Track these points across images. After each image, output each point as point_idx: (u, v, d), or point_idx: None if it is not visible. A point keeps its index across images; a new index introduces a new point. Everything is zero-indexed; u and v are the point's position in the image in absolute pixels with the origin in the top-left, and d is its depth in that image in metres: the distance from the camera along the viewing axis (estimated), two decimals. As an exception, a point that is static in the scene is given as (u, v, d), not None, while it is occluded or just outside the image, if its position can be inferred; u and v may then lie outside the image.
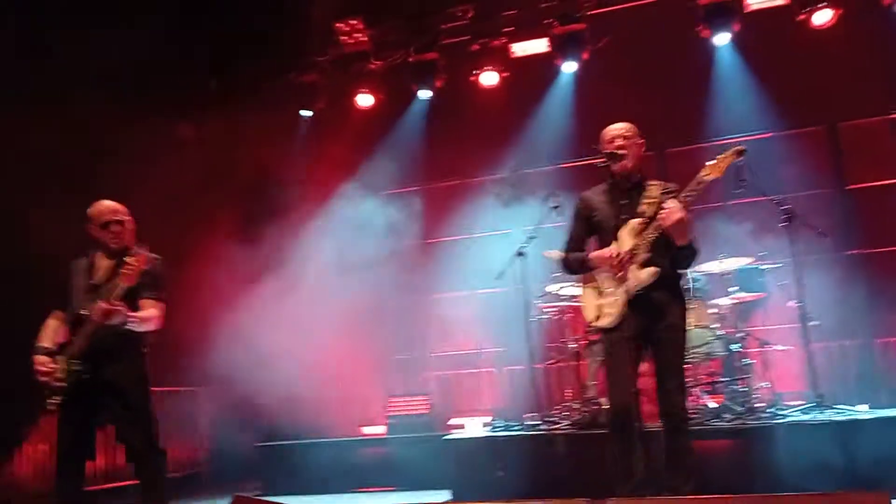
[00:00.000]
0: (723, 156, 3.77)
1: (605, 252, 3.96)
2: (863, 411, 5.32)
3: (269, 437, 6.98)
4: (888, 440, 4.69)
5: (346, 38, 8.01)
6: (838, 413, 5.19)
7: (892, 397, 6.59)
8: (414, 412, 6.84)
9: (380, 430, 7.12)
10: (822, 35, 7.17)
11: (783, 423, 5.05)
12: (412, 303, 7.85)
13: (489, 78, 7.91)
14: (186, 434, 7.74)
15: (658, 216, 3.79)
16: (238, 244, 7.23)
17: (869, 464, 4.61)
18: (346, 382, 7.26)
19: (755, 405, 5.45)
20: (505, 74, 7.91)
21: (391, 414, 6.91)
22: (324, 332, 6.88)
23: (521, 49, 7.99)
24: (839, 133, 7.43)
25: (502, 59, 7.91)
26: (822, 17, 7.14)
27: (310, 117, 8.47)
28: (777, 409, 5.40)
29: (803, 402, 5.61)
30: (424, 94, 8.14)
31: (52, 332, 4.18)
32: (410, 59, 8.02)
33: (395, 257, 7.56)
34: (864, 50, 7.10)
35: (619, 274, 3.89)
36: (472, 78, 7.95)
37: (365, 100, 8.27)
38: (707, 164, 3.78)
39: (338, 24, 7.94)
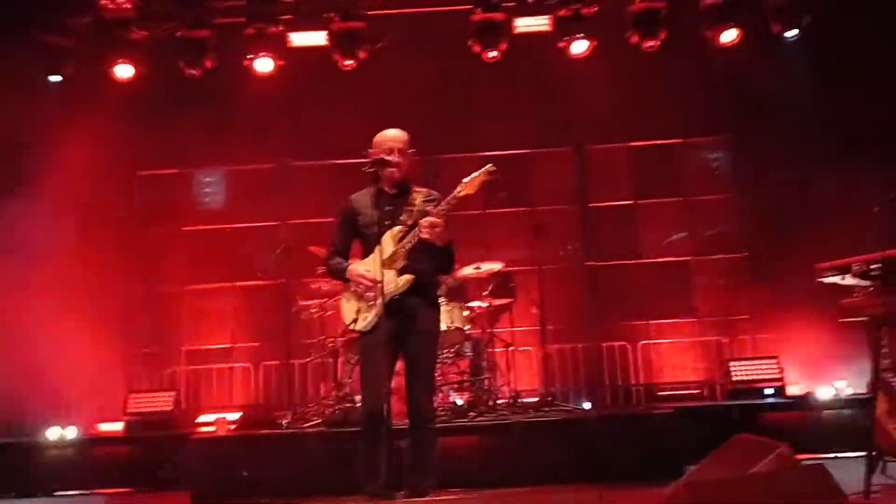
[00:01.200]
0: (475, 174, 3.97)
1: (360, 273, 4.03)
2: (587, 409, 5.92)
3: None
4: (609, 435, 5.25)
5: (107, 1, 7.34)
6: (566, 411, 5.73)
7: (614, 397, 7.40)
8: (157, 409, 6.47)
9: (118, 427, 6.63)
10: (579, 64, 7.85)
11: (520, 420, 5.47)
12: (164, 293, 7.39)
13: (264, 64, 7.67)
14: None
15: (418, 227, 3.92)
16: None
17: (592, 457, 5.12)
18: (84, 376, 6.67)
19: (497, 402, 5.84)
20: (281, 63, 7.72)
21: (131, 410, 6.47)
22: (61, 321, 6.28)
23: (300, 39, 7.84)
24: (586, 155, 8.17)
25: (279, 47, 7.70)
26: (579, 46, 7.81)
27: (59, 83, 7.64)
28: (515, 407, 5.82)
29: (538, 400, 6.13)
30: (192, 73, 7.70)
31: None
32: (179, 34, 7.54)
33: (147, 243, 7.11)
34: (613, 81, 7.86)
35: (367, 294, 3.97)
36: (246, 62, 7.66)
37: (124, 70, 7.62)
38: (462, 181, 3.96)
39: (99, -15, 7.26)
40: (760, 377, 6.79)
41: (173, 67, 7.63)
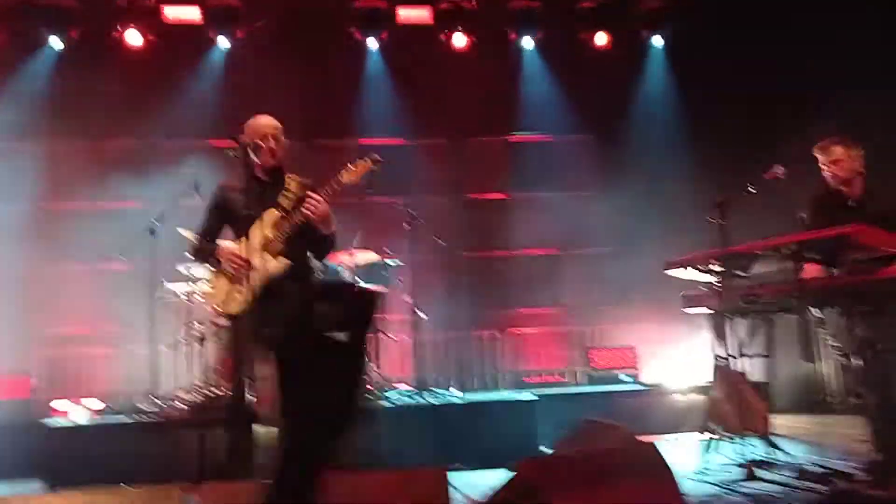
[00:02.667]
0: (359, 162, 4.01)
1: (233, 251, 4.00)
2: (456, 395, 6.10)
3: None
4: (475, 420, 5.48)
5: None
6: (435, 397, 5.90)
7: (481, 383, 7.65)
8: (11, 396, 6.12)
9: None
10: (460, 57, 8.02)
11: (388, 405, 5.58)
12: (22, 273, 6.97)
13: (134, 37, 7.41)
14: None
15: (305, 207, 3.91)
16: None
17: (458, 441, 5.32)
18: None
19: (367, 388, 5.92)
20: (152, 38, 7.46)
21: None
22: None
23: (174, 14, 7.60)
24: (465, 147, 8.35)
25: (151, 21, 7.45)
26: (460, 41, 7.99)
27: None
28: (384, 392, 5.93)
29: (408, 386, 6.27)
30: (56, 43, 7.32)
31: None
32: (38, 2, 7.14)
33: (5, 220, 6.70)
34: (492, 76, 8.08)
35: (242, 273, 3.94)
36: (116, 34, 7.36)
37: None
38: (345, 168, 3.99)
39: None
40: (617, 365, 7.23)
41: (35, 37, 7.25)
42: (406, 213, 6.37)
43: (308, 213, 3.90)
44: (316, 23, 7.74)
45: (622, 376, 7.16)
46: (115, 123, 7.39)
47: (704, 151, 7.46)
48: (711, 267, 4.69)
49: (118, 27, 7.29)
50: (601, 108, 8.04)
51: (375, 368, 6.10)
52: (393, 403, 5.67)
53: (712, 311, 4.96)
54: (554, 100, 8.17)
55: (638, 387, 6.96)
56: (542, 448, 5.37)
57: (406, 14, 8.00)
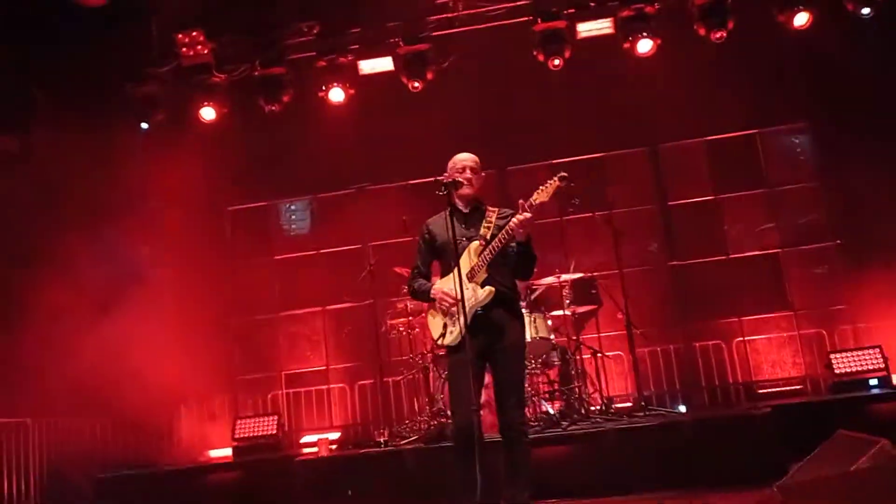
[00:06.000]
0: (549, 182, 4.02)
1: (443, 290, 4.15)
2: (681, 413, 5.83)
3: (110, 467, 6.63)
4: (705, 439, 5.16)
5: (186, 49, 7.76)
6: (659, 415, 5.67)
7: (711, 398, 7.25)
8: (263, 433, 6.75)
9: (227, 453, 6.95)
10: (645, 63, 7.78)
11: (613, 427, 5.45)
12: (259, 321, 7.72)
13: (336, 94, 7.95)
14: (14, 468, 7.20)
15: (496, 240, 3.99)
16: (75, 263, 6.81)
17: (690, 463, 5.05)
18: (189, 408, 7.05)
19: (589, 410, 5.84)
20: (352, 91, 7.97)
21: (239, 436, 6.78)
22: (168, 354, 6.66)
23: (369, 67, 8.08)
24: (660, 154, 8.07)
25: (350, 76, 7.96)
26: (644, 46, 7.74)
27: (150, 130, 8.13)
28: (608, 414, 5.80)
29: (631, 405, 6.09)
30: (271, 109, 8.05)
31: None
32: (256, 73, 7.90)
33: (242, 273, 7.45)
34: (681, 77, 7.75)
35: (452, 310, 4.08)
36: (321, 94, 7.96)
37: (208, 113, 8.05)
38: (536, 190, 4.02)
39: (178, 36, 7.69)
40: (864, 368, 6.53)
41: (252, 105, 8.03)
42: (609, 227, 6.25)
43: (510, 228, 3.96)
44: (499, 53, 7.88)
45: (871, 381, 6.46)
46: (327, 175, 7.97)
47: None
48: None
49: (323, 87, 7.87)
50: (810, 93, 7.41)
51: (595, 389, 6.01)
52: (614, 424, 5.53)
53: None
54: (754, 91, 7.66)
55: (890, 390, 6.25)
56: (789, 468, 4.96)
57: (586, 28, 7.90)
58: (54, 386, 6.33)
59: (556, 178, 4.00)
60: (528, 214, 3.96)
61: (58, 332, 6.51)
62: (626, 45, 7.72)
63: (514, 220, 3.98)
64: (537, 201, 4.00)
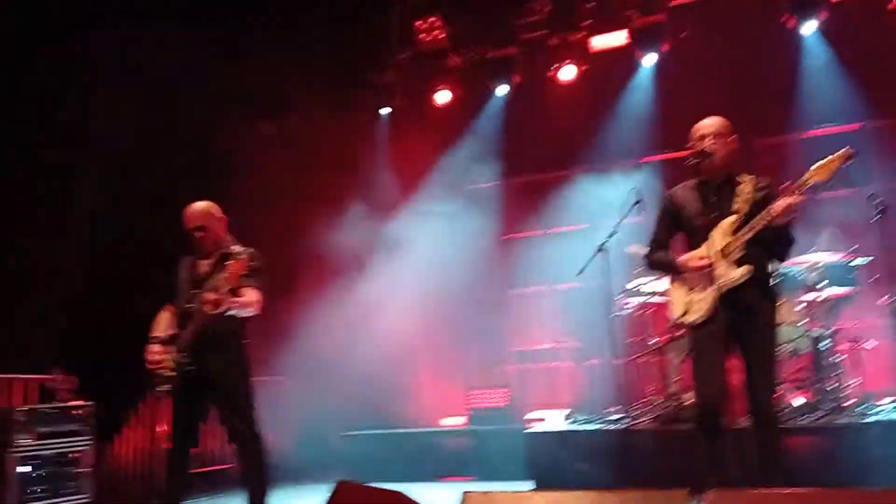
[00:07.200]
0: (830, 158, 3.64)
1: (695, 259, 3.94)
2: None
3: (354, 426, 7.20)
4: None
5: (424, 35, 8.14)
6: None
7: None
8: (493, 405, 6.94)
9: (460, 421, 7.25)
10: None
11: (874, 420, 4.94)
12: (492, 298, 7.94)
13: (568, 72, 7.92)
14: (274, 423, 8.03)
15: (769, 211, 3.72)
16: (327, 240, 7.45)
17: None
18: (427, 375, 7.45)
19: (844, 403, 5.34)
20: (583, 68, 7.90)
21: (471, 406, 7.04)
22: (407, 326, 7.10)
23: (600, 43, 7.96)
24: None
25: (581, 54, 7.90)
26: (917, 2, 6.89)
27: (389, 115, 8.64)
28: (867, 407, 5.28)
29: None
30: (502, 90, 8.21)
31: (164, 323, 4.41)
32: (488, 55, 8.09)
33: (475, 252, 7.67)
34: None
35: (708, 273, 3.87)
36: (551, 73, 7.97)
37: (443, 97, 8.38)
38: (812, 167, 3.66)
39: (417, 23, 8.08)
40: None
41: (482, 87, 8.23)
42: (871, 204, 5.64)
43: (772, 215, 3.67)
44: (741, 19, 7.39)
45: None
46: (557, 155, 7.97)
47: None
48: None
49: (554, 65, 7.86)
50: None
51: (855, 380, 5.48)
52: (879, 419, 5.01)
53: None
54: None
55: None
56: None
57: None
58: (308, 346, 6.98)
59: (839, 154, 3.61)
60: (797, 197, 3.65)
61: (313, 300, 7.19)
62: (892, 6, 6.93)
63: (778, 203, 3.68)
64: (811, 181, 3.66)
